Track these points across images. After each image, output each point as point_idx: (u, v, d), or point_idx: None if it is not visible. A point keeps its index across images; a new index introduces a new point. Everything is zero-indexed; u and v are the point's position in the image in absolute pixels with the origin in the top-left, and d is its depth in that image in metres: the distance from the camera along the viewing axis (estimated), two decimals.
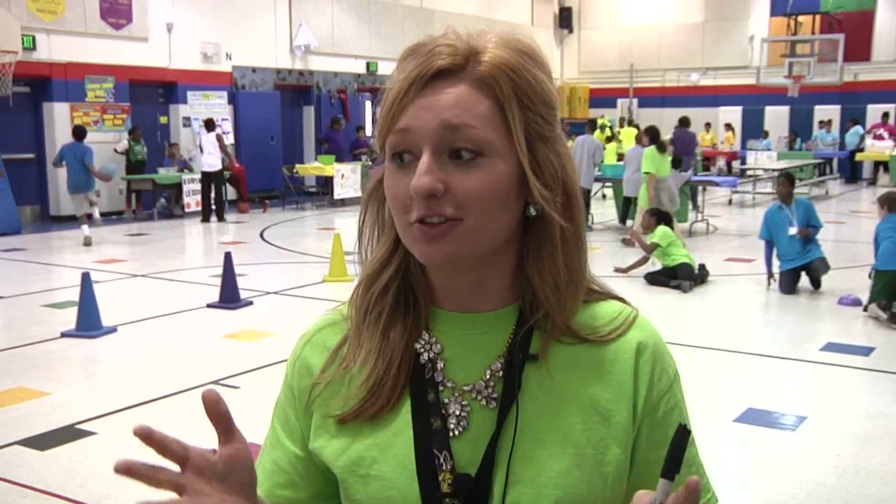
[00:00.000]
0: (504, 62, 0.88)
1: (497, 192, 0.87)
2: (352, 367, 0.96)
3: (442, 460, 0.90)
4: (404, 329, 0.95)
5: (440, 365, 0.94)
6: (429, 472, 0.90)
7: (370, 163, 16.31)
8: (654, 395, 0.95)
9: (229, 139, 16.02)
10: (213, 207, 14.08)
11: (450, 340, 0.95)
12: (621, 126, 22.35)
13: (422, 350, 0.95)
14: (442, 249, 0.87)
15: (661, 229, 8.69)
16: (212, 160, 13.85)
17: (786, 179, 8.35)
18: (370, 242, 0.98)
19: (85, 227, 11.37)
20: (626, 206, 12.18)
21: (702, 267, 8.64)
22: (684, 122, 16.15)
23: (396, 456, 0.92)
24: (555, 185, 0.90)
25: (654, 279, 8.51)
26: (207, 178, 13.90)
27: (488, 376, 0.93)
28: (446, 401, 0.93)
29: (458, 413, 0.92)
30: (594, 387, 0.94)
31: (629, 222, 11.98)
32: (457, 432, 0.91)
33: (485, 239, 0.89)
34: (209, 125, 14.09)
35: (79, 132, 11.85)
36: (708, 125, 22.84)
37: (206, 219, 13.96)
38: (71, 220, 13.67)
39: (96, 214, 11.91)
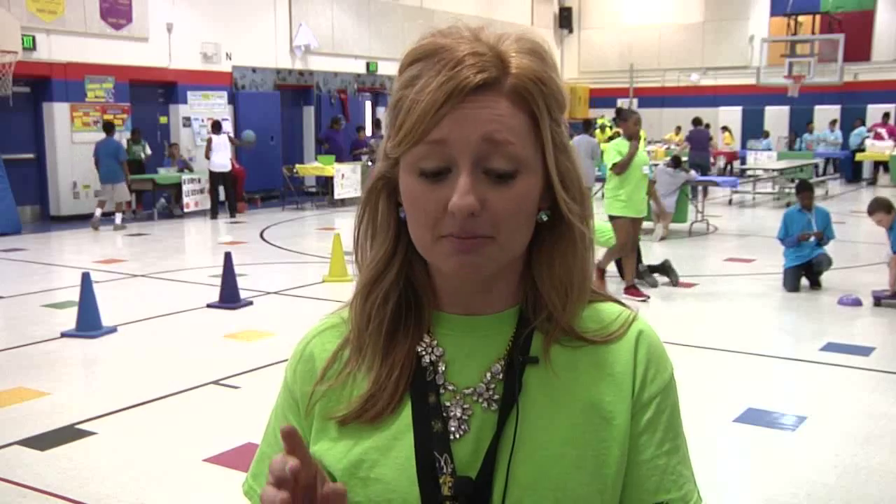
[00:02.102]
0: (534, 74, 0.87)
1: (529, 209, 0.88)
2: (354, 372, 0.96)
3: (443, 463, 0.89)
4: (407, 334, 0.94)
5: (441, 368, 0.94)
6: (429, 476, 0.89)
7: (370, 163, 16.32)
8: (646, 395, 0.94)
9: None
10: (227, 204, 14.63)
11: (451, 343, 0.95)
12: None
13: (423, 353, 0.94)
14: (473, 262, 0.87)
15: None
16: (224, 160, 14.33)
17: (806, 191, 8.38)
18: (367, 245, 0.97)
19: (98, 212, 12.81)
20: None
21: (666, 267, 8.60)
22: (697, 122, 18.67)
23: (397, 459, 0.91)
24: (578, 195, 0.91)
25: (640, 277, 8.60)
26: (219, 178, 14.38)
27: (489, 378, 0.92)
28: (447, 404, 0.92)
29: (458, 416, 0.91)
30: (595, 388, 0.93)
31: None
32: (458, 435, 0.91)
33: (511, 252, 0.90)
34: (217, 127, 14.45)
35: (108, 128, 13.19)
36: (707, 125, 22.85)
37: (214, 216, 14.38)
38: (71, 220, 13.73)
39: (98, 214, 12.87)
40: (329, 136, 17.53)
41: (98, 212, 12.81)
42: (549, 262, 0.93)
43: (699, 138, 18.01)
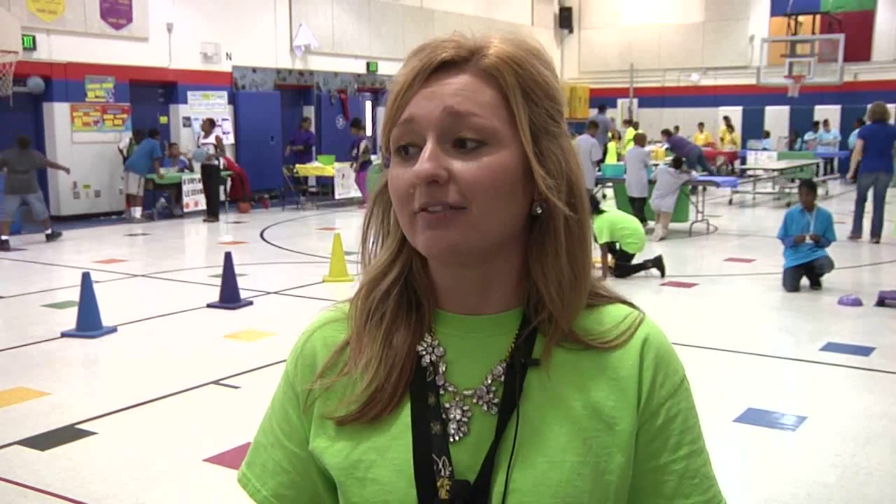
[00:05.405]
0: (508, 55, 0.88)
1: (501, 182, 0.86)
2: (353, 371, 0.94)
3: (440, 466, 0.88)
4: (407, 332, 0.94)
5: (442, 368, 0.93)
6: (427, 478, 0.88)
7: (366, 161, 16.30)
8: (655, 400, 0.93)
9: (229, 139, 16.13)
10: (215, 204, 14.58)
11: (452, 343, 0.94)
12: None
13: (424, 353, 0.93)
14: (445, 239, 0.86)
15: (600, 220, 8.52)
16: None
17: (808, 189, 8.37)
18: (374, 247, 0.97)
19: (136, 210, 13.93)
20: (631, 205, 12.15)
21: (658, 260, 8.86)
22: (668, 132, 18.98)
23: (395, 460, 0.90)
24: (559, 177, 0.89)
25: (624, 271, 8.69)
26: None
27: (490, 381, 0.91)
28: (447, 405, 0.91)
29: (458, 418, 0.90)
30: (598, 393, 0.92)
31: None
32: (457, 438, 0.90)
33: (489, 231, 0.87)
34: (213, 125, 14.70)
35: (152, 132, 14.28)
36: (701, 125, 22.75)
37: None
38: (71, 220, 13.73)
39: (136, 214, 13.98)
40: (297, 138, 17.25)
41: (137, 210, 13.95)
42: (541, 253, 0.91)
43: (678, 142, 17.57)
